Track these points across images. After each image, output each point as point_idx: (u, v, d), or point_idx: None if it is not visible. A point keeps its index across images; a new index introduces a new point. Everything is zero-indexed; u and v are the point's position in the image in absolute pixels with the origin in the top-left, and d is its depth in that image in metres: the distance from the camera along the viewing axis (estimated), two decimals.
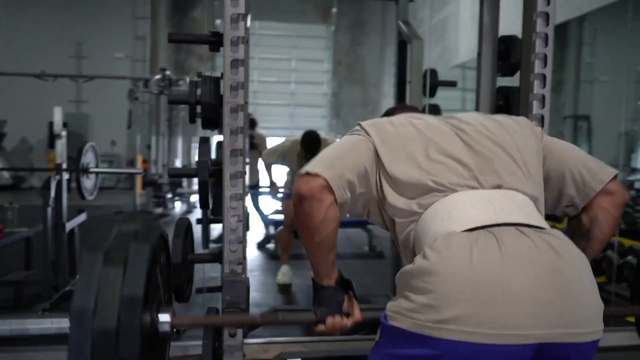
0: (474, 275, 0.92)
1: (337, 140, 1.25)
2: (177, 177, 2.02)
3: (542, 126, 1.85)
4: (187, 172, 2.05)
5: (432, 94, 3.08)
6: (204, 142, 1.90)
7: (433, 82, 3.08)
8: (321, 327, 1.16)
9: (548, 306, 0.91)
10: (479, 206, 1.04)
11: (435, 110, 3.06)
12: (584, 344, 0.94)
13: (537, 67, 1.82)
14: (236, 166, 1.67)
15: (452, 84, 3.45)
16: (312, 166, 1.09)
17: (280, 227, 4.50)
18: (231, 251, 1.68)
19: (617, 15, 6.53)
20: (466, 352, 0.91)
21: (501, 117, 1.26)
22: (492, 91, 2.19)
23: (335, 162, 1.10)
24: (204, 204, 1.94)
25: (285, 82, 13.78)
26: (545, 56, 1.82)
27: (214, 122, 1.91)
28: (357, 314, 1.19)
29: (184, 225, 1.82)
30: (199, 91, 1.90)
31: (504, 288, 0.91)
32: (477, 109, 2.22)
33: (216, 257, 1.78)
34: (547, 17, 1.81)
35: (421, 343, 0.94)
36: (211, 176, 1.83)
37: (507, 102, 2.18)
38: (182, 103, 2.00)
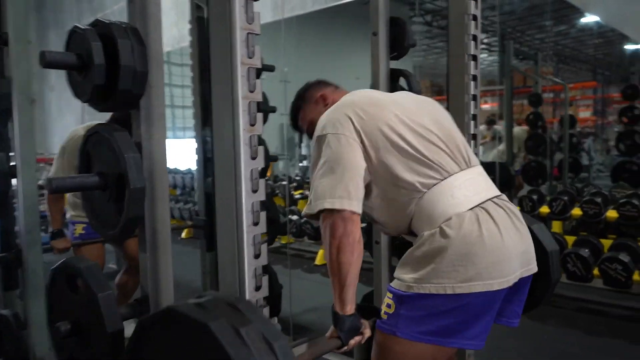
0: (486, 244, 1.21)
1: (327, 149, 1.26)
2: (65, 190, 1.12)
3: (476, 105, 1.90)
4: (80, 184, 1.24)
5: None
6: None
7: None
8: (344, 349, 1.30)
9: (522, 254, 1.28)
10: (470, 187, 1.29)
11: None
12: (531, 275, 1.34)
13: (472, 48, 1.85)
14: (257, 162, 1.11)
15: (271, 69, 3.19)
16: (333, 200, 1.21)
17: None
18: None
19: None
20: (485, 298, 1.22)
21: (427, 99, 1.48)
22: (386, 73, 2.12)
23: (352, 186, 1.22)
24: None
25: None
26: (476, 37, 1.87)
27: (135, 98, 1.23)
28: (369, 332, 1.34)
29: None
30: (95, 48, 1.18)
31: (504, 249, 1.23)
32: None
33: None
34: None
35: (450, 300, 1.21)
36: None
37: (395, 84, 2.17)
38: (71, 68, 1.20)
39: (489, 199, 1.31)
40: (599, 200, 3.27)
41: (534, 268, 1.33)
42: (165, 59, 8.38)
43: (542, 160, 5.75)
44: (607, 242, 3.37)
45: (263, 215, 1.13)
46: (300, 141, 10.68)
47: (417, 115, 1.34)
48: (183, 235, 6.04)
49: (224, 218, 1.13)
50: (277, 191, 5.40)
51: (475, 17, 1.86)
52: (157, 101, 1.30)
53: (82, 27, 1.21)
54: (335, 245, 1.23)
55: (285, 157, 11.47)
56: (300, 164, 10.53)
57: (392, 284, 1.32)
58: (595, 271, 3.04)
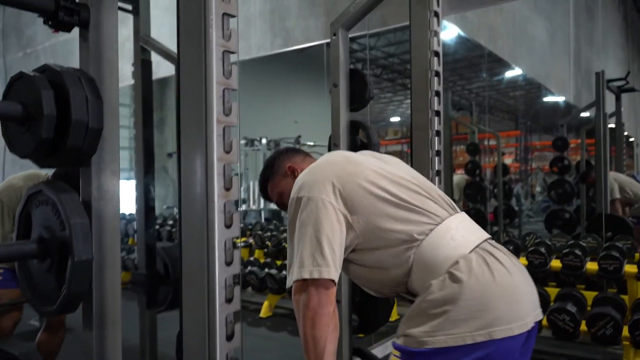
0: (499, 285, 1.14)
1: (303, 213, 1.19)
2: None
3: (440, 161, 1.88)
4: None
5: None
6: None
7: None
8: None
9: (531, 295, 1.20)
10: (466, 228, 1.25)
11: None
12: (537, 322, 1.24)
13: (435, 104, 1.84)
14: (232, 231, 0.99)
15: None
16: (311, 270, 1.13)
17: None
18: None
19: None
20: (506, 345, 1.11)
21: (391, 156, 1.44)
22: (346, 124, 2.08)
23: (328, 253, 1.14)
24: None
25: None
26: (439, 93, 1.87)
27: (85, 156, 1.09)
28: None
29: None
30: (47, 98, 1.04)
31: (516, 290, 1.16)
32: (335, 143, 2.07)
33: None
34: (439, 55, 1.87)
35: (469, 352, 1.09)
36: None
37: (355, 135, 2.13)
38: (12, 120, 1.04)
39: (485, 240, 1.25)
40: (543, 250, 3.35)
41: (540, 313, 1.23)
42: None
43: (480, 207, 5.92)
44: (550, 291, 3.44)
45: (237, 290, 1.01)
46: (240, 185, 10.50)
47: (392, 169, 1.30)
48: None
49: (192, 295, 0.99)
50: None
51: (438, 74, 1.86)
52: (111, 156, 1.17)
53: (30, 74, 1.07)
54: (310, 317, 1.13)
55: None
56: (240, 208, 10.29)
57: (397, 341, 1.20)
58: (544, 321, 3.07)
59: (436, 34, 1.85)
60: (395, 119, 17.23)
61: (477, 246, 1.21)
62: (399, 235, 1.19)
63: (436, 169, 1.84)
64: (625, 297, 3.15)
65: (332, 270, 1.14)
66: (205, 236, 0.96)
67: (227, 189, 0.98)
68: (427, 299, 1.15)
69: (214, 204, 0.95)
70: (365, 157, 1.35)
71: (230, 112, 0.98)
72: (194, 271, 0.98)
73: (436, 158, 1.85)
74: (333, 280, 1.15)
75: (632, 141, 13.01)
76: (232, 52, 0.99)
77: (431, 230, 1.20)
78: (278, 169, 1.49)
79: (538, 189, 11.34)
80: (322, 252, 1.14)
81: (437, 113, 1.85)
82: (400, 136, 17.36)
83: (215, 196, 0.95)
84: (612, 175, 5.10)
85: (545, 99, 11.62)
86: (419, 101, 1.85)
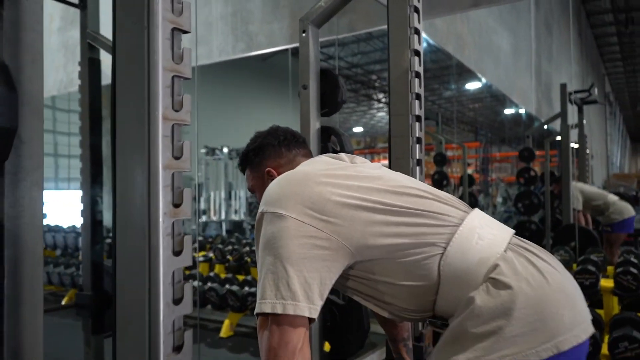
0: (552, 285, 0.97)
1: (266, 233, 0.98)
2: None
3: (422, 171, 1.70)
4: None
5: None
6: None
7: None
8: None
9: (581, 292, 1.04)
10: (491, 224, 1.07)
11: None
12: None
13: (417, 108, 1.67)
14: (182, 259, 0.77)
15: None
16: (272, 303, 0.92)
17: None
18: None
19: None
20: (576, 355, 0.95)
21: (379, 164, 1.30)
22: (317, 130, 1.88)
23: (295, 283, 0.94)
24: None
25: None
26: (419, 96, 1.70)
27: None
28: None
29: None
30: None
31: (569, 289, 0.99)
32: None
33: None
34: (419, 53, 1.70)
35: None
36: None
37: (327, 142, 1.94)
38: None
39: (513, 236, 1.07)
40: None
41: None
42: (50, 104, 7.57)
43: None
44: None
45: (188, 336, 0.78)
46: (199, 195, 10.13)
47: (385, 174, 1.12)
48: (64, 301, 5.26)
49: (128, 345, 0.76)
50: None
51: (418, 75, 1.69)
52: (33, 163, 0.95)
53: None
54: (271, 358, 0.92)
55: None
56: (200, 219, 9.93)
57: None
58: None
59: (417, 31, 1.68)
60: (358, 129, 17.22)
61: (509, 243, 1.03)
62: (407, 244, 1.01)
63: (417, 178, 1.66)
64: (600, 312, 3.06)
65: (302, 305, 0.93)
66: (147, 267, 0.74)
67: (177, 205, 0.76)
68: (470, 316, 0.96)
69: (159, 224, 0.73)
70: (352, 165, 1.17)
71: (181, 107, 0.77)
72: (132, 313, 0.76)
73: (417, 167, 1.67)
74: (299, 315, 0.93)
75: (587, 153, 13.36)
76: (185, 31, 0.78)
77: (453, 234, 1.02)
78: (257, 165, 1.28)
79: (499, 199, 11.44)
80: (288, 281, 0.94)
81: (418, 118, 1.67)
82: (364, 146, 17.37)
83: (160, 214, 0.73)
84: (578, 186, 5.09)
85: (506, 111, 11.81)
86: (398, 105, 1.67)
